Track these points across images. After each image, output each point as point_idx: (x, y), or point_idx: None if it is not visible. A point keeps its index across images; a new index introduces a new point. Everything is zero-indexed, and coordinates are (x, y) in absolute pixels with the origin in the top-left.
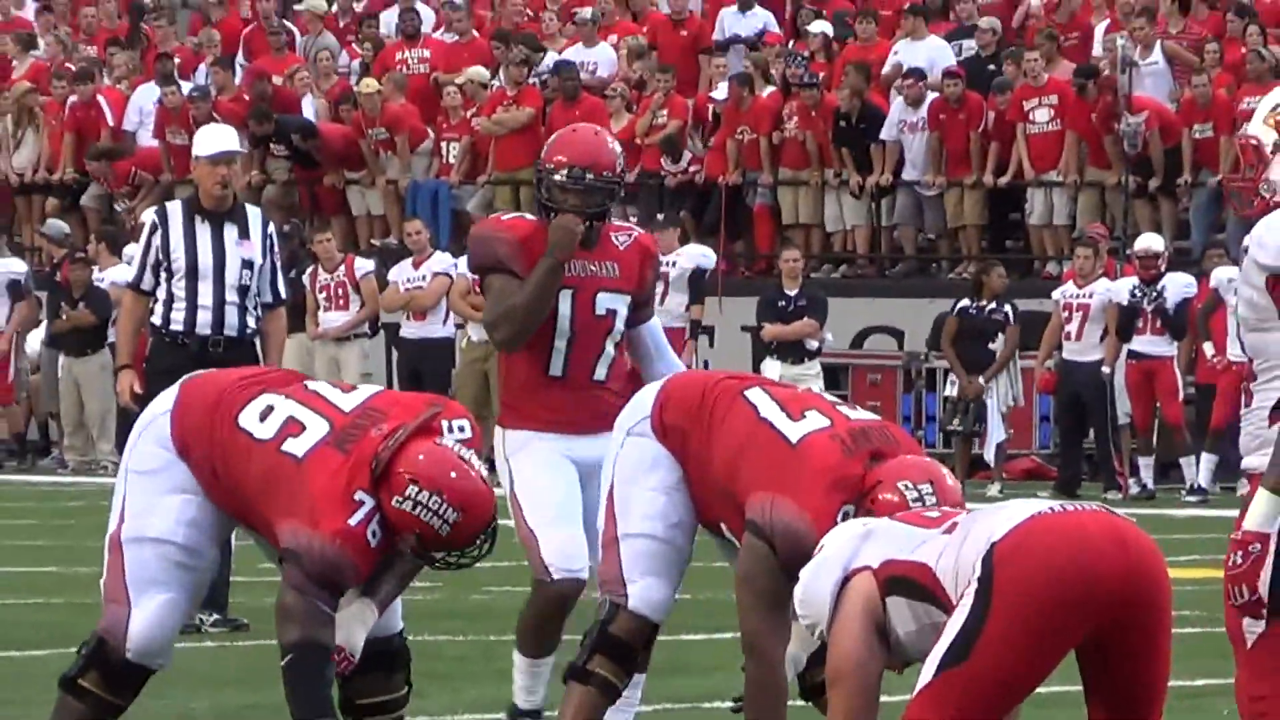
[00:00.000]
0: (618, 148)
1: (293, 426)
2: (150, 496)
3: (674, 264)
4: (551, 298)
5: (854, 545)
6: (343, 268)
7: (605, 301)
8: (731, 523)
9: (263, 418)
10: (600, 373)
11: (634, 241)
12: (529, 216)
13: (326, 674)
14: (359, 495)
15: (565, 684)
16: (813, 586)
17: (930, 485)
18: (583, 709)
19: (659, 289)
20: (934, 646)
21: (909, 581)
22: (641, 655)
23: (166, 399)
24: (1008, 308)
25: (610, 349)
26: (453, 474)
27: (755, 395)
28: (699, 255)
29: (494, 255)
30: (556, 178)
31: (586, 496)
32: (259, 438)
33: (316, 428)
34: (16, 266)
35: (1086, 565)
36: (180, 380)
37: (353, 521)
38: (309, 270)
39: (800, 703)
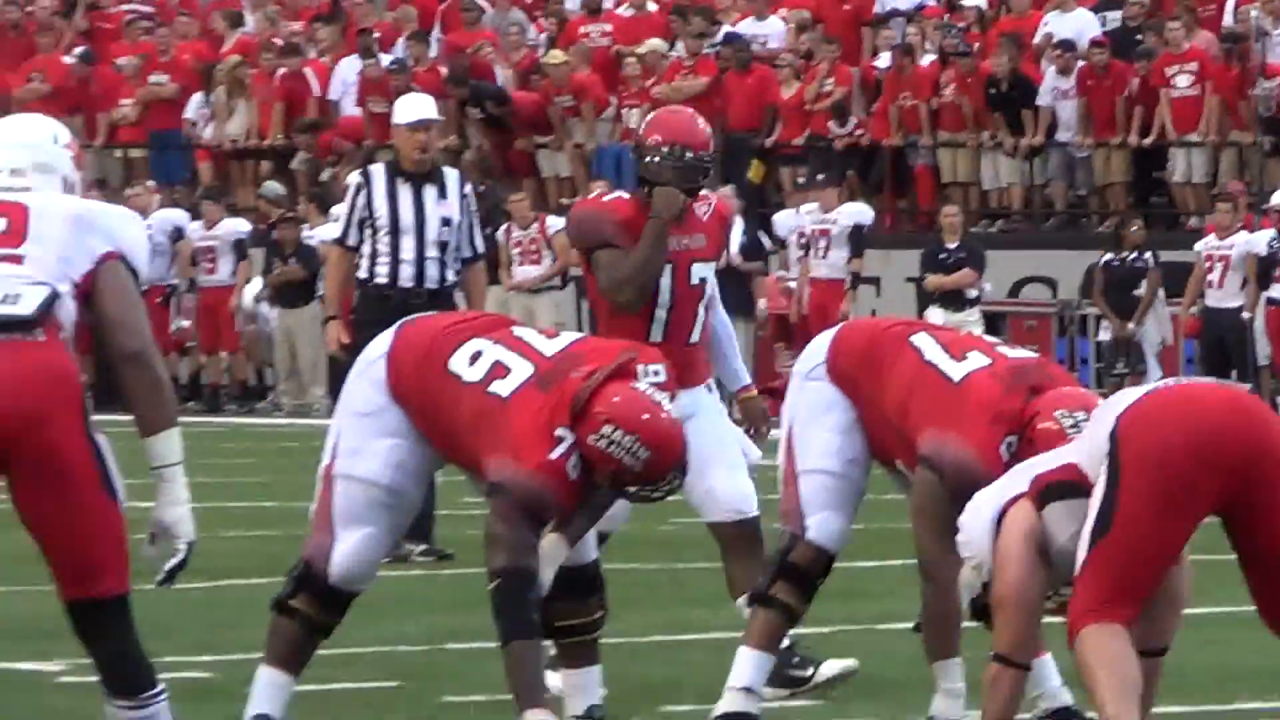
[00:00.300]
0: (709, 129)
1: (499, 369)
2: (362, 438)
3: (835, 221)
4: (663, 256)
5: (1004, 484)
6: (535, 225)
7: (698, 271)
8: (905, 459)
9: (472, 361)
10: (695, 336)
11: (714, 211)
12: (626, 195)
13: (530, 598)
14: (559, 432)
15: (748, 608)
16: (971, 526)
17: (1085, 413)
18: (765, 630)
19: (822, 244)
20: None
21: (1060, 484)
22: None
23: (383, 342)
24: (1148, 255)
25: (702, 313)
26: (645, 415)
27: (920, 340)
28: (857, 212)
29: (601, 233)
30: (657, 154)
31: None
32: (468, 380)
33: (521, 370)
34: (241, 226)
35: (1204, 426)
36: (396, 325)
37: (553, 456)
38: (504, 227)
39: (972, 624)
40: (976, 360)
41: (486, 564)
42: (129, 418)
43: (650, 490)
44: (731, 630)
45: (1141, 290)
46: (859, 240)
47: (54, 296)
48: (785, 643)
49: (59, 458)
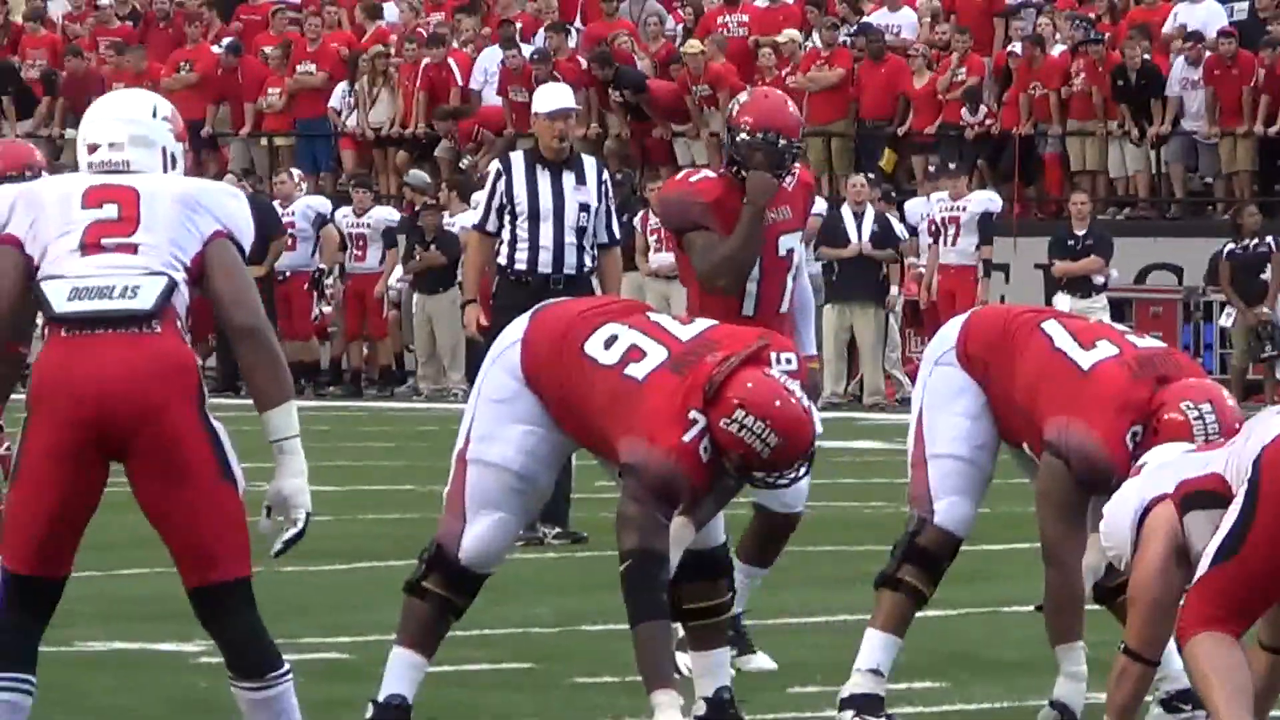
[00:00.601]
0: (799, 115)
1: (634, 353)
2: (496, 423)
3: (964, 208)
4: (760, 242)
5: (1151, 479)
6: None
7: (786, 242)
8: (1033, 443)
9: (607, 345)
10: (784, 305)
11: (799, 181)
12: (712, 174)
13: (661, 579)
14: (692, 414)
15: (876, 591)
16: (1115, 520)
17: (1210, 405)
18: (893, 612)
19: (952, 231)
20: (1161, 646)
21: (1204, 493)
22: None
23: (518, 328)
24: (1270, 240)
25: (790, 283)
26: (777, 402)
27: (1050, 327)
28: (986, 200)
29: (690, 217)
30: (747, 137)
31: None
32: (603, 363)
33: (656, 354)
34: (391, 214)
35: None
36: (531, 310)
37: (686, 438)
38: (640, 214)
39: (1095, 606)
40: (1105, 349)
41: (618, 545)
42: (246, 401)
43: (776, 477)
44: (859, 612)
45: (1268, 275)
46: (988, 227)
47: (171, 286)
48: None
49: (178, 447)
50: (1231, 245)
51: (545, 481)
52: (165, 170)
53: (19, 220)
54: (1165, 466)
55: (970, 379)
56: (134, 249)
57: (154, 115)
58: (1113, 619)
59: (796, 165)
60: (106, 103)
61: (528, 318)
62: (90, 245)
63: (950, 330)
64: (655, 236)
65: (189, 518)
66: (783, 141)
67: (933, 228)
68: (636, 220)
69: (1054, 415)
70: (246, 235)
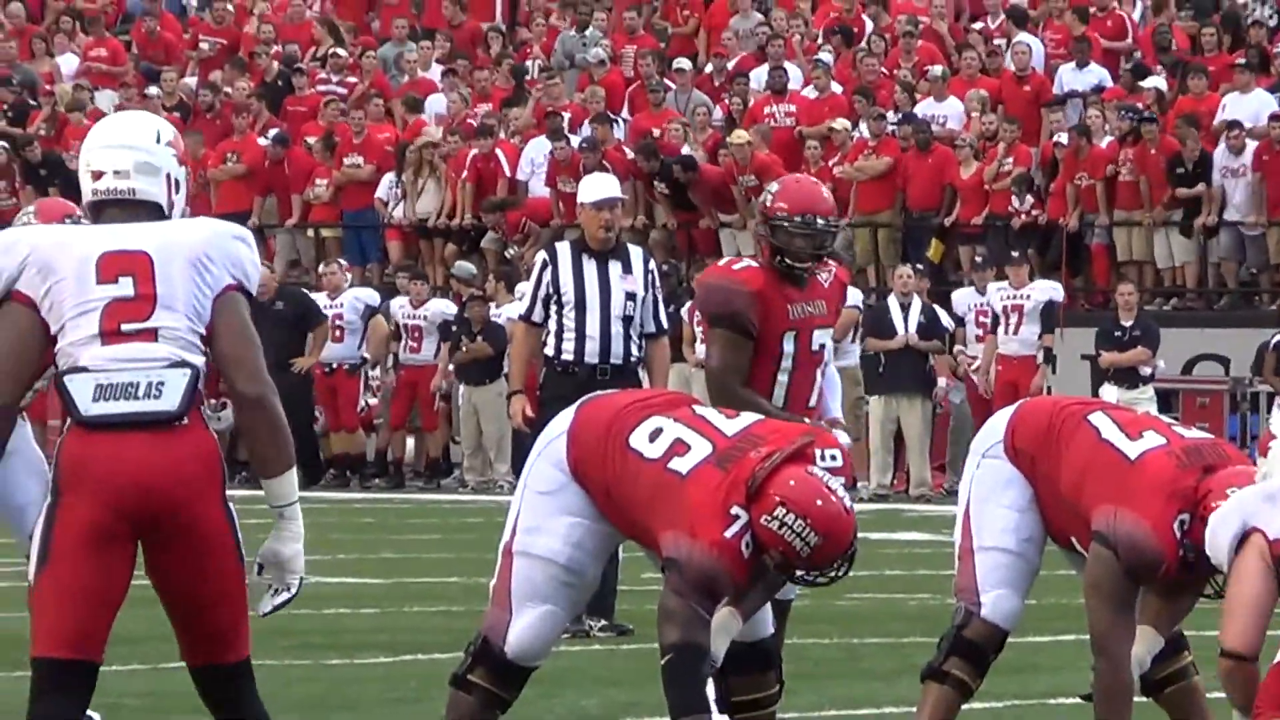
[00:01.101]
0: (832, 198)
1: (679, 447)
2: (542, 515)
3: (1028, 297)
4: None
5: (1257, 505)
6: None
7: (819, 338)
8: (1080, 536)
9: (652, 439)
10: (813, 400)
11: (835, 279)
12: (756, 264)
13: (703, 672)
14: (734, 510)
15: (922, 684)
16: (1219, 532)
17: None
18: (939, 706)
19: (1015, 319)
20: (1257, 650)
21: None
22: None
23: (564, 420)
24: None
25: (819, 377)
26: (819, 501)
27: (1097, 419)
28: (1050, 289)
29: (730, 306)
30: (786, 223)
31: None
32: (648, 457)
33: (700, 448)
34: (449, 308)
35: None
36: (578, 402)
37: (729, 534)
38: (688, 304)
39: (1143, 698)
40: (1152, 439)
41: (659, 639)
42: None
43: (817, 575)
44: (906, 705)
45: None
46: (1050, 316)
47: (195, 379)
48: None
49: (205, 533)
50: (1278, 336)
51: (592, 574)
52: (169, 195)
53: (29, 281)
54: (1269, 499)
55: (1018, 472)
56: (154, 335)
57: (158, 141)
58: (1160, 712)
59: (834, 264)
60: (109, 128)
61: (574, 410)
62: (109, 333)
63: (998, 423)
64: (702, 327)
65: (208, 596)
66: (821, 222)
67: (990, 317)
68: (684, 310)
69: (1102, 505)
70: (254, 279)
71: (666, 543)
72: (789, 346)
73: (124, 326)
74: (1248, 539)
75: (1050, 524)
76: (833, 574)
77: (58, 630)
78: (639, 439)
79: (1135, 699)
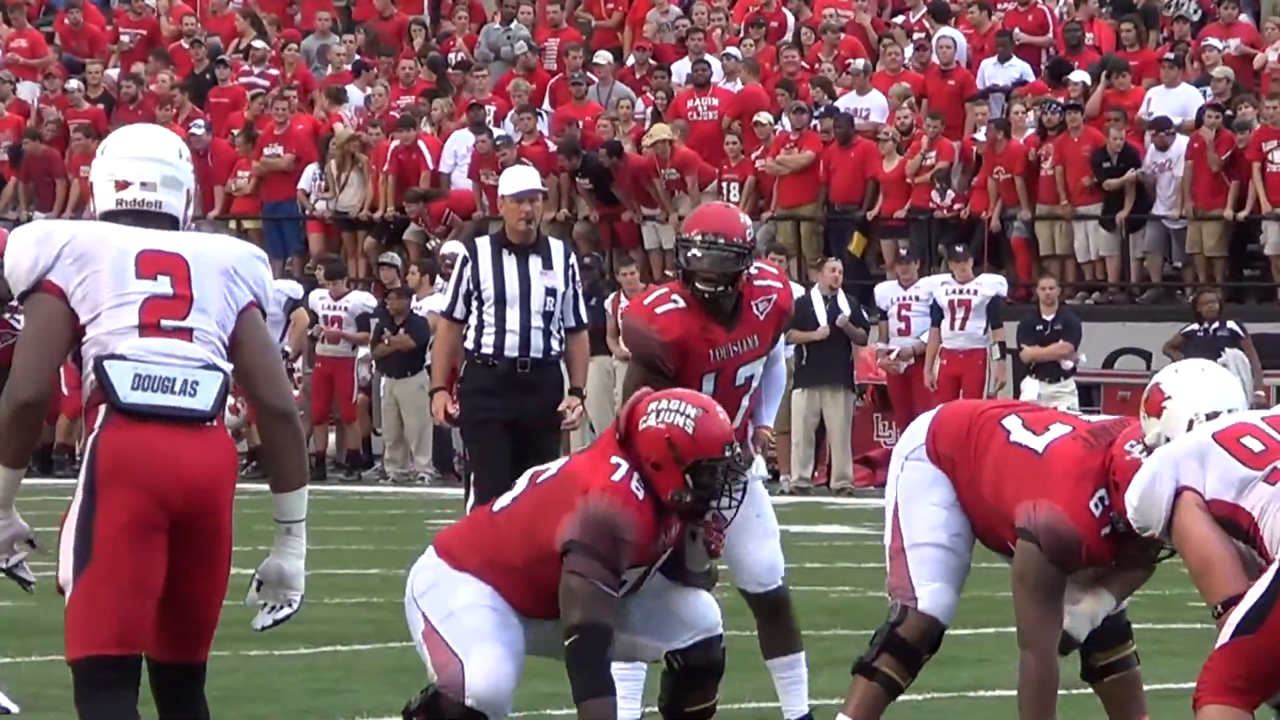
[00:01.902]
0: (747, 221)
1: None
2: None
3: (975, 292)
4: None
5: (1187, 464)
6: None
7: (745, 372)
8: (1010, 539)
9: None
10: (736, 422)
11: (773, 307)
12: (679, 303)
13: (607, 653)
14: (614, 459)
15: (852, 676)
16: (1149, 494)
17: None
18: (865, 701)
19: (961, 314)
20: (1248, 590)
21: (1233, 523)
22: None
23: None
24: (1231, 324)
25: (745, 403)
26: (682, 394)
27: (1009, 422)
28: (996, 284)
29: (646, 349)
30: (693, 245)
31: None
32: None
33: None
34: (368, 300)
35: None
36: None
37: (616, 478)
38: (611, 296)
39: (1065, 691)
40: (1057, 430)
41: (562, 621)
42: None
43: (720, 475)
44: (824, 697)
45: (1225, 358)
46: (996, 311)
47: (226, 385)
48: (803, 711)
49: (223, 531)
50: (1194, 328)
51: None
52: (185, 210)
53: (63, 271)
54: (1203, 460)
55: (941, 473)
56: (189, 335)
57: (180, 156)
58: (1083, 704)
59: (776, 290)
60: (134, 140)
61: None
62: (148, 326)
63: (918, 428)
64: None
65: (208, 600)
66: (722, 241)
67: (904, 312)
68: (608, 303)
69: (1021, 503)
70: (270, 302)
71: (560, 527)
72: (708, 385)
73: (163, 322)
74: (1180, 499)
75: (980, 528)
76: (734, 467)
77: (108, 627)
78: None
79: (1063, 692)
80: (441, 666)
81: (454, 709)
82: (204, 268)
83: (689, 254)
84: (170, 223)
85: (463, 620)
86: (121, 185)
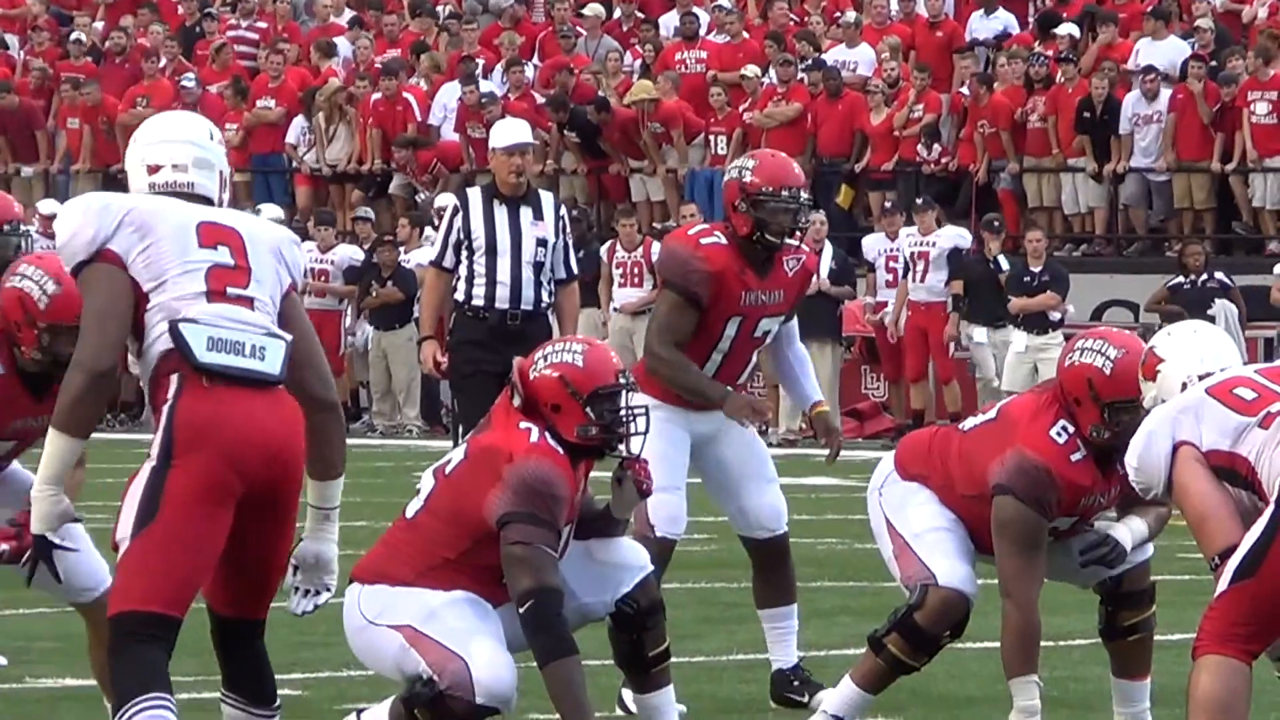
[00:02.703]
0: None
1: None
2: (399, 600)
3: (934, 244)
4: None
5: (1183, 419)
6: (640, 249)
7: (764, 325)
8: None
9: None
10: (742, 378)
11: (801, 267)
12: (722, 239)
13: (561, 613)
14: (522, 425)
15: (866, 648)
16: (1147, 454)
17: (1095, 339)
18: (869, 674)
19: (920, 266)
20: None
21: (1232, 472)
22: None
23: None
24: (1220, 275)
25: (754, 358)
26: (563, 338)
27: (965, 422)
28: (956, 235)
29: (686, 277)
30: (770, 200)
31: (703, 462)
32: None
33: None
34: (355, 254)
35: None
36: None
37: (533, 439)
38: (608, 245)
39: (1049, 643)
40: (1009, 399)
41: (510, 590)
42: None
43: (615, 409)
44: (813, 649)
45: (1214, 310)
46: (958, 263)
47: (289, 352)
48: (793, 661)
49: (294, 500)
50: (1180, 279)
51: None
52: (220, 191)
53: (124, 240)
54: (1197, 412)
55: (918, 483)
56: (251, 304)
57: (211, 138)
58: (1068, 656)
59: (805, 252)
60: (163, 124)
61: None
62: (215, 293)
63: (884, 465)
64: (620, 271)
65: (277, 560)
66: (803, 195)
67: (892, 264)
68: (603, 252)
69: (990, 467)
70: (300, 284)
71: (490, 505)
72: (731, 330)
73: (228, 289)
74: (1177, 455)
75: (969, 532)
76: (627, 392)
77: (156, 586)
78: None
79: (1045, 644)
80: (440, 667)
81: (463, 708)
82: (256, 244)
83: (767, 207)
84: (205, 204)
85: (447, 618)
86: (153, 169)
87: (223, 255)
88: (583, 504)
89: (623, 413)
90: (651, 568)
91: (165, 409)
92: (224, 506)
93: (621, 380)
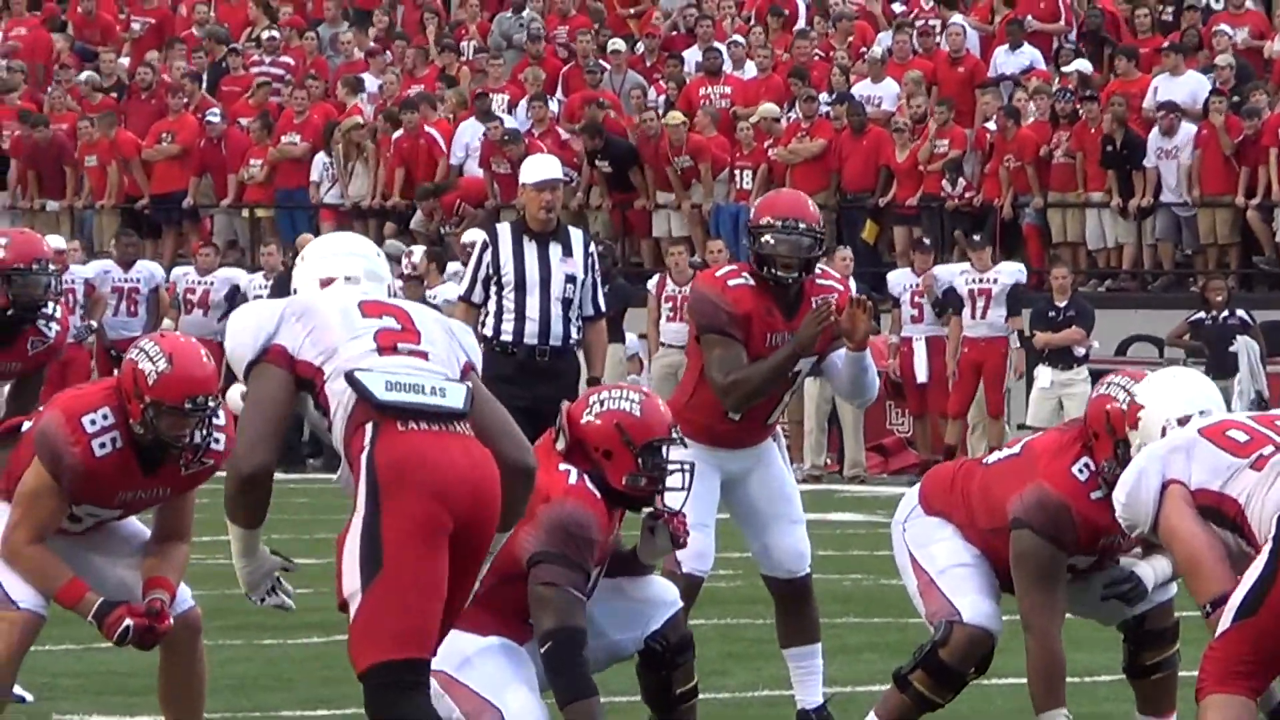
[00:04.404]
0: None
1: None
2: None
3: (995, 280)
4: (784, 377)
5: (1173, 458)
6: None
7: (800, 363)
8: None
9: None
10: (773, 418)
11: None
12: (749, 280)
13: (584, 655)
14: (562, 467)
15: (891, 685)
16: (1135, 492)
17: (1118, 377)
18: (895, 710)
19: (982, 303)
20: (1235, 589)
21: (1219, 512)
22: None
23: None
24: (1241, 313)
25: (787, 399)
26: (617, 385)
27: (989, 456)
28: (1015, 271)
29: (718, 321)
30: (768, 231)
31: (732, 500)
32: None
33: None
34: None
35: None
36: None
37: (571, 481)
38: (656, 279)
39: (1075, 679)
40: (1036, 434)
41: (535, 629)
42: None
43: (661, 457)
44: (838, 685)
45: (1236, 347)
46: (1016, 299)
47: (470, 395)
48: (818, 701)
49: (487, 542)
50: (1201, 315)
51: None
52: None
53: (288, 331)
54: (1188, 452)
55: (942, 519)
56: (425, 356)
57: (378, 255)
58: (1093, 693)
59: (835, 294)
60: (335, 242)
61: None
62: (386, 348)
63: (909, 499)
64: (670, 305)
65: (455, 604)
66: (803, 225)
67: (917, 299)
68: (652, 284)
69: (1010, 500)
70: (478, 368)
71: (524, 541)
72: None
73: (399, 345)
74: (1166, 494)
75: (992, 568)
76: (674, 452)
77: (400, 632)
78: None
79: (1073, 680)
80: (476, 717)
81: None
82: (425, 317)
83: (764, 239)
84: None
85: (482, 666)
86: (326, 282)
87: (389, 322)
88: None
89: (670, 465)
90: (681, 604)
91: (363, 457)
92: (439, 544)
93: (674, 433)
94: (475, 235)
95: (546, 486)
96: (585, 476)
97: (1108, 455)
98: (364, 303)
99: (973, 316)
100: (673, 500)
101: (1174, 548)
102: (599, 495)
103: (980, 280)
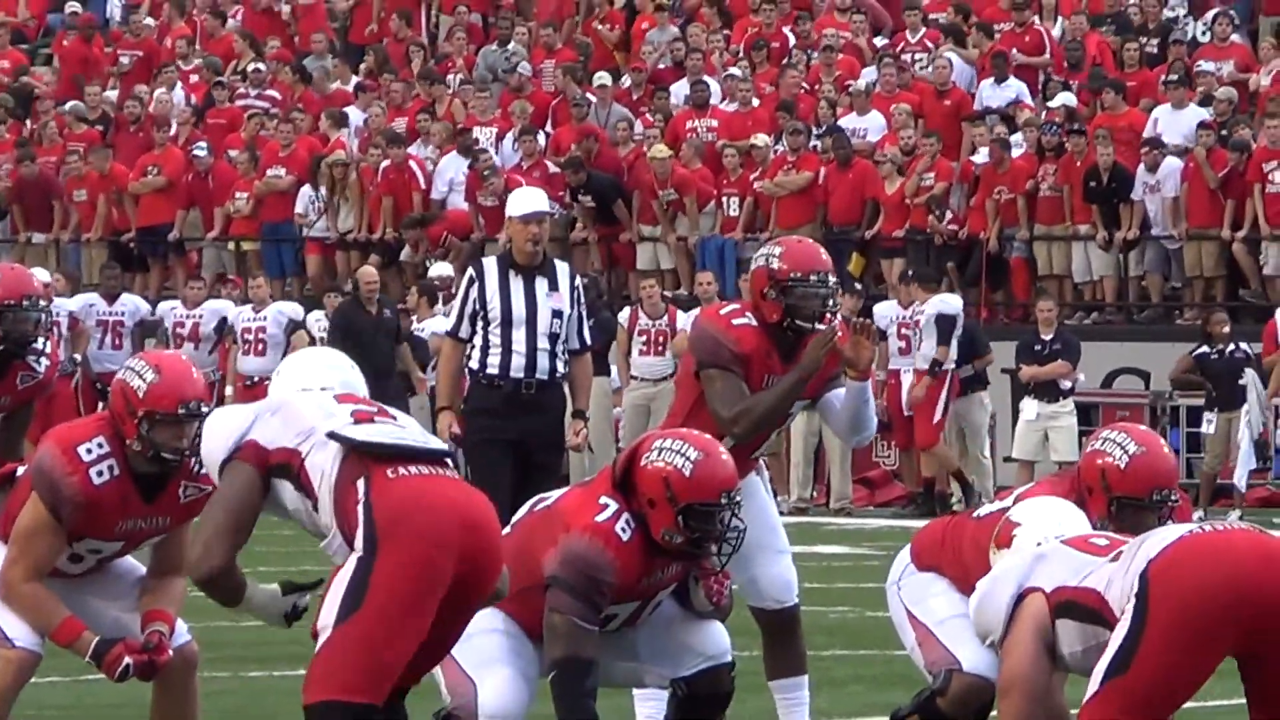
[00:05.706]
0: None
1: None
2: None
3: (924, 312)
4: (789, 405)
5: (1029, 566)
6: (665, 317)
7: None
8: None
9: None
10: (757, 452)
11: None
12: (753, 321)
13: (587, 684)
14: (603, 499)
15: None
16: (988, 601)
17: (1120, 432)
18: None
19: (914, 335)
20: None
21: (1078, 605)
22: None
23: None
24: (1245, 346)
25: (776, 436)
26: (688, 434)
27: (979, 509)
28: (940, 302)
29: (721, 357)
30: (800, 286)
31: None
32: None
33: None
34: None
35: (1233, 579)
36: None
37: (600, 519)
38: (628, 312)
39: None
40: (1028, 485)
41: (546, 655)
42: None
43: (723, 524)
44: (824, 717)
45: (1245, 380)
46: (944, 328)
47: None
48: None
49: (489, 583)
50: (1205, 350)
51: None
52: None
53: (262, 426)
54: (1045, 559)
55: (936, 574)
56: (395, 419)
57: (351, 369)
58: None
59: (836, 325)
60: (311, 357)
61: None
62: (362, 418)
63: (901, 557)
64: (642, 339)
65: (448, 641)
66: (832, 280)
67: (904, 332)
68: (623, 317)
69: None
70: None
71: (545, 561)
72: None
73: (376, 417)
74: (1020, 607)
75: None
76: (732, 510)
77: (354, 675)
78: None
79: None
80: (454, 688)
81: None
82: (399, 414)
83: (797, 293)
84: None
85: (476, 644)
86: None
87: (364, 406)
88: (678, 579)
89: (715, 530)
90: (728, 659)
91: (360, 508)
92: (432, 594)
93: (724, 500)
94: (443, 270)
95: (574, 515)
96: (626, 516)
97: (1101, 512)
98: (339, 395)
99: (916, 349)
100: (717, 562)
101: (1004, 662)
102: (629, 538)
103: (907, 315)
